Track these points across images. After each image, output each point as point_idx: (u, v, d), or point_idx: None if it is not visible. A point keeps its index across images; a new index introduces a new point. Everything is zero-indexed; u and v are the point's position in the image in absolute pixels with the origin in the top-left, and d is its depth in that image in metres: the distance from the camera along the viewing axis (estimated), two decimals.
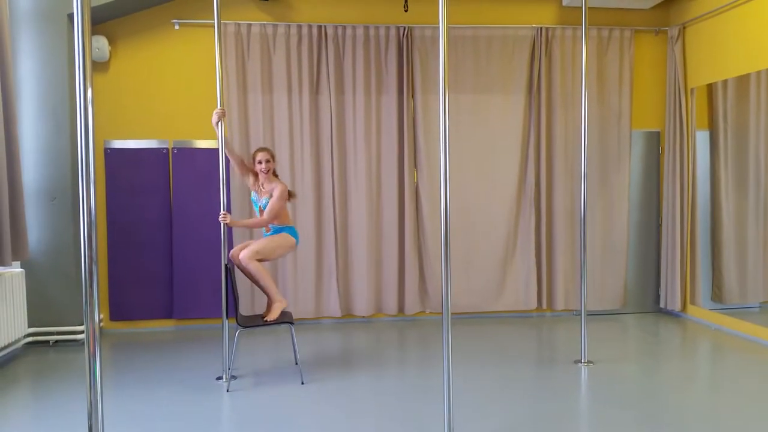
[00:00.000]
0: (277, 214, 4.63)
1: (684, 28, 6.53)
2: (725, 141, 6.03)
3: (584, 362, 4.93)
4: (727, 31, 5.92)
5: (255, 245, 4.59)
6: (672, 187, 6.58)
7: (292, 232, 4.76)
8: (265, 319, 4.59)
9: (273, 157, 4.72)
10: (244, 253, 4.55)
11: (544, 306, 6.69)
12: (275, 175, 4.78)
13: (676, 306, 6.56)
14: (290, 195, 4.78)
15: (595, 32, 6.59)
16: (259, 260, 4.59)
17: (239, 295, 6.06)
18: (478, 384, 4.49)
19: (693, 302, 6.43)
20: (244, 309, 6.23)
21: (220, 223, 4.73)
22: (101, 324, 6.21)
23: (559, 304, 6.66)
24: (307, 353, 5.36)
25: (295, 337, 4.73)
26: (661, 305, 6.78)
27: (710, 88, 6.19)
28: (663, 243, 6.75)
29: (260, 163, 4.65)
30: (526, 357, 5.23)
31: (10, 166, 5.06)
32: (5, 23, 5.07)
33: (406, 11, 5.58)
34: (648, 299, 6.92)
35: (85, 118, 2.32)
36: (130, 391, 4.44)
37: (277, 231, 4.71)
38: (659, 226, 6.87)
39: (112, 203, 6.15)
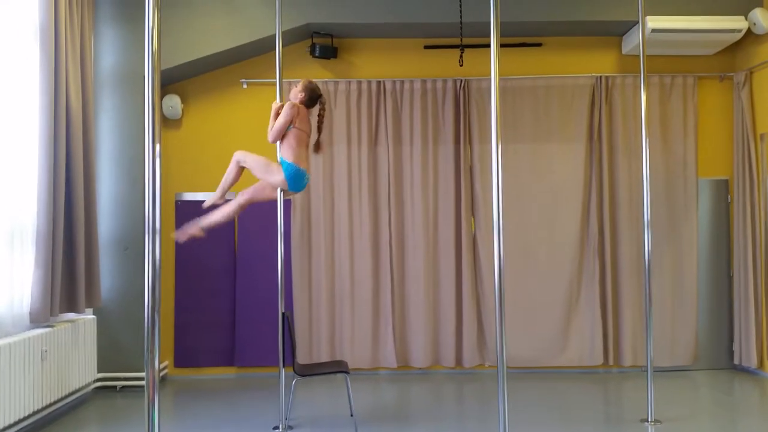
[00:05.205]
0: (279, 130, 4.55)
1: (751, 73, 6.36)
2: None
3: (651, 421, 4.69)
4: None
5: (249, 158, 4.57)
6: (743, 237, 6.29)
7: (288, 168, 4.49)
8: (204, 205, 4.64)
9: (300, 90, 4.70)
10: (238, 153, 4.55)
11: (611, 362, 6.40)
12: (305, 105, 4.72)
13: (752, 362, 6.17)
14: (319, 146, 4.75)
15: (656, 79, 6.50)
16: (243, 168, 4.59)
17: (297, 343, 6.13)
18: None
19: None
20: (302, 358, 6.28)
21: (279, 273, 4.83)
22: (166, 370, 6.38)
23: (627, 359, 6.37)
24: (363, 405, 5.33)
25: (350, 388, 4.73)
26: (736, 361, 6.40)
27: None
28: (735, 295, 6.42)
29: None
30: (589, 415, 5.02)
31: (88, 217, 5.38)
32: (90, 84, 5.49)
33: (461, 66, 5.72)
34: (721, 355, 6.54)
35: (152, 172, 2.47)
36: None
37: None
38: (730, 277, 6.55)
39: (181, 252, 6.40)
